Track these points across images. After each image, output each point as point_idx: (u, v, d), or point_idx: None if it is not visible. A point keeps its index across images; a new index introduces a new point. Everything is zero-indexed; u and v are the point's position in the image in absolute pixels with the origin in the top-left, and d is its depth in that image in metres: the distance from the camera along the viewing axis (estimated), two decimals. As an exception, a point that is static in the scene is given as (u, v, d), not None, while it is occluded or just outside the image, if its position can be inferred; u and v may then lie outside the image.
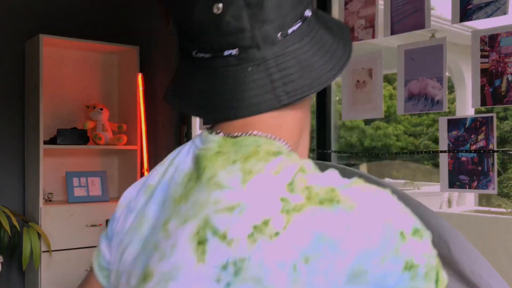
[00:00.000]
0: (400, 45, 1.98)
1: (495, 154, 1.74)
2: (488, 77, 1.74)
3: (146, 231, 0.64)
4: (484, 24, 1.85)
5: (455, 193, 6.83)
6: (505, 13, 1.71)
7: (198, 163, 0.62)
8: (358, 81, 2.14)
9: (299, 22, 0.61)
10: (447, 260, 1.38)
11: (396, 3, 2.00)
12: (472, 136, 1.79)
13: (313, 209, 0.53)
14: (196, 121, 3.16)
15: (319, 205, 0.53)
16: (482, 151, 1.77)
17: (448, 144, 1.86)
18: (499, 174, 1.82)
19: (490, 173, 1.75)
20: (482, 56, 1.76)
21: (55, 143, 3.08)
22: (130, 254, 0.65)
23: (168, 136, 3.18)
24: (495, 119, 1.75)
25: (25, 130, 3.29)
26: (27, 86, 3.26)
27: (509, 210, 7.80)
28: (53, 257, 2.97)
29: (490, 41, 1.74)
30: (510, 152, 2.58)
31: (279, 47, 0.60)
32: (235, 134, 0.62)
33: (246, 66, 0.61)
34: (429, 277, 0.54)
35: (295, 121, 0.65)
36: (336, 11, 2.26)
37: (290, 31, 0.61)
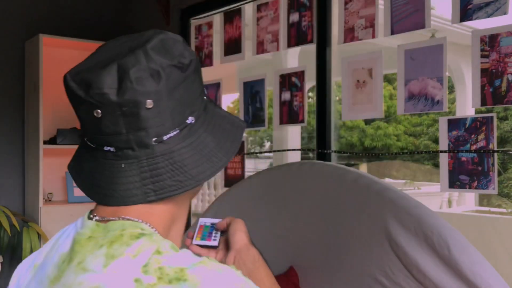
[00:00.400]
0: (400, 45, 1.98)
1: (495, 154, 1.74)
2: (488, 77, 1.74)
3: None
4: (484, 24, 1.84)
5: (455, 193, 6.83)
6: (505, 13, 1.71)
7: (72, 246, 0.70)
8: (358, 81, 2.14)
9: (176, 130, 0.70)
10: (447, 260, 1.38)
11: (396, 3, 2.00)
12: (472, 136, 1.79)
13: (162, 287, 0.61)
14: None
15: (168, 284, 0.61)
16: (482, 151, 1.77)
17: (448, 144, 1.85)
18: (499, 174, 1.82)
19: (490, 173, 1.75)
20: (482, 56, 1.76)
21: (55, 143, 3.08)
22: None
23: (168, 136, 3.18)
24: (495, 119, 1.75)
25: (25, 130, 3.29)
26: (27, 86, 3.26)
27: (509, 210, 7.79)
28: (53, 257, 2.97)
29: (490, 41, 1.74)
30: (510, 152, 2.58)
31: (152, 150, 0.69)
32: (107, 219, 0.70)
33: (120, 163, 0.69)
34: None
35: (167, 212, 0.73)
36: (336, 11, 2.26)
37: (165, 137, 0.69)
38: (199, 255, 0.74)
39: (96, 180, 0.71)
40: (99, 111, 0.67)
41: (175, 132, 0.70)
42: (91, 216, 0.73)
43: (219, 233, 0.96)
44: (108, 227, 0.68)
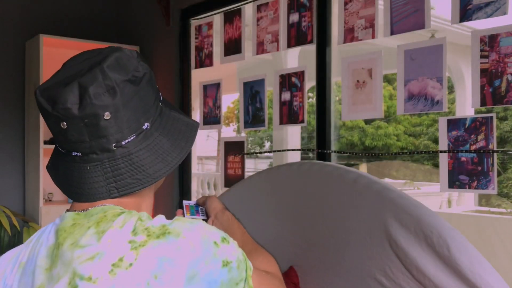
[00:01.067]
0: (400, 45, 1.98)
1: (495, 154, 1.75)
2: (488, 77, 1.74)
3: None
4: (484, 24, 1.85)
5: (455, 193, 6.83)
6: (505, 13, 1.71)
7: (58, 236, 0.80)
8: (358, 81, 2.14)
9: (133, 135, 0.81)
10: (447, 260, 1.38)
11: (396, 3, 2.00)
12: (472, 136, 1.80)
13: (153, 242, 0.74)
14: (196, 121, 3.17)
15: (156, 239, 0.74)
16: (482, 151, 1.77)
17: (448, 144, 1.86)
18: (499, 174, 1.83)
19: (490, 173, 1.75)
20: (482, 56, 1.76)
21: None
22: None
23: (168, 136, 3.18)
24: (495, 119, 1.75)
25: (25, 130, 3.30)
26: (27, 86, 3.26)
27: (509, 210, 7.80)
28: (53, 257, 2.97)
29: (490, 41, 1.74)
30: (510, 152, 2.59)
31: (113, 153, 0.81)
32: (85, 209, 0.83)
33: (86, 165, 0.81)
34: (241, 268, 0.78)
35: (131, 204, 0.85)
36: (336, 11, 2.26)
37: (124, 142, 0.81)
38: None
39: (69, 180, 0.84)
40: (65, 123, 0.79)
41: (132, 137, 0.81)
42: (68, 210, 0.86)
43: (204, 208, 1.18)
44: (90, 213, 0.81)
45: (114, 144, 0.80)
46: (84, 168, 0.81)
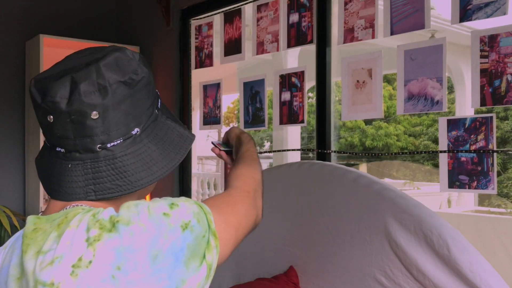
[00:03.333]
0: (400, 45, 1.98)
1: (495, 154, 1.75)
2: (488, 77, 1.74)
3: None
4: (484, 24, 1.85)
5: (455, 193, 6.83)
6: (504, 13, 1.71)
7: (22, 242, 0.77)
8: (358, 81, 2.14)
9: (120, 139, 0.79)
10: (447, 260, 1.38)
11: (396, 3, 2.00)
12: (472, 136, 1.80)
13: (106, 234, 0.72)
14: (196, 121, 3.17)
15: (108, 231, 0.72)
16: (481, 151, 1.77)
17: (448, 144, 1.86)
18: (498, 174, 1.83)
19: (490, 173, 1.75)
20: (481, 56, 1.76)
21: (55, 143, 3.08)
22: None
23: (168, 136, 3.17)
24: (494, 119, 1.75)
25: (25, 130, 3.30)
26: (27, 86, 3.26)
27: (509, 210, 7.80)
28: (53, 257, 2.97)
29: (490, 41, 1.74)
30: (510, 152, 2.58)
31: (97, 155, 0.79)
32: (42, 211, 0.82)
33: (68, 163, 0.80)
34: (201, 220, 0.76)
35: (105, 207, 0.80)
36: (336, 11, 2.26)
37: (109, 145, 0.79)
38: (229, 161, 1.23)
39: (49, 175, 0.82)
40: (51, 116, 0.77)
41: (119, 141, 0.79)
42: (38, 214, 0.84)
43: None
44: (51, 217, 0.78)
45: (98, 145, 0.78)
46: (65, 166, 0.80)
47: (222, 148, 1.29)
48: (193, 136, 0.91)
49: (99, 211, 0.75)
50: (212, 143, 1.30)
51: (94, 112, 0.76)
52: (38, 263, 0.73)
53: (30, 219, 0.79)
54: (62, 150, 0.79)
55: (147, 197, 0.95)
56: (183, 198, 0.79)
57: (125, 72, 0.79)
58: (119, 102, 0.78)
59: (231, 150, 1.27)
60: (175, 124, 0.89)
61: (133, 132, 0.81)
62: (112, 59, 0.79)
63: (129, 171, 0.80)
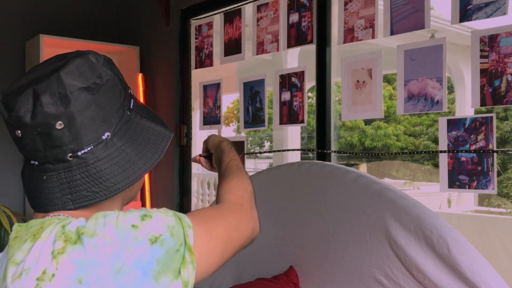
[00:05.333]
0: (400, 45, 1.98)
1: (495, 154, 1.75)
2: (488, 77, 1.74)
3: None
4: (483, 24, 1.85)
5: (455, 193, 6.83)
6: (504, 13, 1.71)
7: (7, 249, 0.78)
8: (358, 81, 2.14)
9: (91, 146, 0.78)
10: (447, 260, 1.38)
11: (396, 3, 2.00)
12: (472, 136, 1.80)
13: (70, 247, 0.71)
14: (196, 121, 3.17)
15: (73, 243, 0.71)
16: (481, 151, 1.77)
17: (448, 144, 1.86)
18: (498, 174, 1.83)
19: (490, 173, 1.75)
20: (481, 56, 1.76)
21: (55, 143, 3.08)
22: None
23: (168, 136, 3.17)
24: (494, 119, 1.75)
25: (25, 130, 3.29)
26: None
27: (509, 210, 7.80)
28: (53, 257, 2.97)
29: (490, 41, 1.74)
30: (510, 152, 2.58)
31: (69, 164, 0.78)
32: (28, 220, 0.81)
33: (43, 175, 0.79)
34: (175, 234, 0.73)
35: (87, 216, 0.79)
36: (336, 11, 2.26)
37: (80, 153, 0.78)
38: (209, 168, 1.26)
39: (30, 189, 0.82)
40: (19, 131, 0.78)
41: (89, 148, 0.79)
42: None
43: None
44: (29, 225, 0.78)
45: (69, 155, 0.78)
46: (40, 178, 0.80)
47: (200, 154, 1.30)
48: (171, 132, 0.89)
49: (69, 222, 0.74)
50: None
51: (59, 122, 0.76)
52: (9, 274, 0.73)
53: (14, 226, 0.80)
54: (36, 162, 0.80)
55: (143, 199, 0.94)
56: (161, 210, 0.77)
57: (88, 78, 0.78)
58: (83, 109, 0.77)
59: (209, 154, 1.28)
60: (151, 123, 0.87)
61: (104, 137, 0.80)
62: (73, 66, 0.78)
63: (104, 177, 0.79)
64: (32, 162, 0.80)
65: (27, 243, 0.74)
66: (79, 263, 0.70)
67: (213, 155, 1.25)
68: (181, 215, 0.77)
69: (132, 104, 0.86)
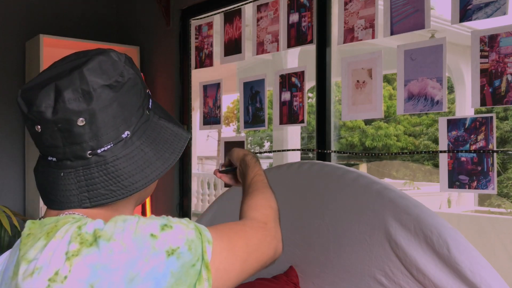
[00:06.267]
0: (400, 45, 1.98)
1: (495, 154, 1.75)
2: (488, 77, 1.74)
3: None
4: (483, 24, 1.85)
5: (455, 193, 6.83)
6: (504, 13, 1.71)
7: (19, 246, 0.77)
8: (358, 81, 2.14)
9: (110, 144, 0.78)
10: (447, 260, 1.38)
11: (396, 3, 2.00)
12: (472, 136, 1.80)
13: (85, 249, 0.69)
14: (196, 121, 3.17)
15: (89, 246, 0.70)
16: (481, 151, 1.77)
17: (448, 144, 1.86)
18: (498, 174, 1.83)
19: (490, 173, 1.75)
20: (481, 56, 1.76)
21: (55, 143, 3.08)
22: None
23: (168, 136, 3.17)
24: (494, 119, 1.75)
25: (25, 130, 3.30)
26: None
27: (509, 210, 7.80)
28: (53, 257, 2.97)
29: (490, 41, 1.74)
30: (510, 152, 2.58)
31: (88, 161, 0.77)
32: (41, 217, 0.80)
33: (60, 171, 0.78)
34: (193, 248, 0.71)
35: (103, 215, 0.80)
36: (336, 11, 2.26)
37: (99, 151, 0.77)
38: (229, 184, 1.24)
39: (44, 185, 0.81)
40: (39, 126, 0.76)
41: (109, 146, 0.78)
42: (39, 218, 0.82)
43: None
44: (44, 222, 0.77)
45: (89, 152, 0.77)
46: (58, 174, 0.79)
47: (221, 169, 1.26)
48: (189, 134, 0.88)
49: (86, 222, 0.73)
50: (219, 166, 1.28)
51: (80, 119, 0.75)
52: (21, 271, 0.72)
53: (27, 223, 0.79)
54: (54, 159, 0.79)
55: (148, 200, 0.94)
56: (183, 221, 0.75)
57: (110, 76, 0.77)
58: (105, 107, 0.76)
59: (232, 169, 1.23)
60: (169, 123, 0.87)
61: (124, 136, 0.79)
62: (96, 63, 0.77)
63: (122, 176, 0.78)
64: (50, 158, 0.79)
65: (41, 241, 0.73)
66: (93, 267, 0.68)
67: (237, 169, 1.20)
68: (202, 228, 0.75)
69: (150, 103, 0.86)
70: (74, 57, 0.82)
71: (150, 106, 0.85)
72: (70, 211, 0.78)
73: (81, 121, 0.75)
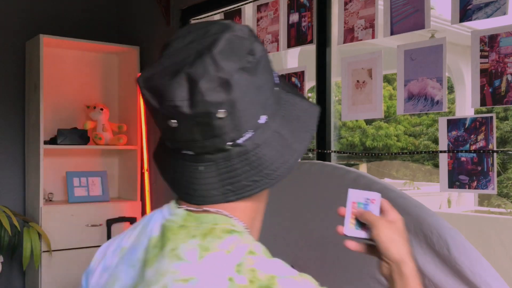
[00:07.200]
0: (400, 45, 1.98)
1: (495, 154, 1.75)
2: (488, 77, 1.74)
3: None
4: (483, 24, 1.85)
5: (455, 193, 6.83)
6: (504, 13, 1.71)
7: (163, 233, 0.72)
8: (358, 81, 2.14)
9: (251, 132, 0.70)
10: (447, 260, 1.38)
11: (396, 3, 2.00)
12: (472, 136, 1.80)
13: None
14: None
15: None
16: (481, 151, 1.77)
17: (448, 144, 1.86)
18: (498, 174, 1.83)
19: (490, 173, 1.75)
20: (481, 56, 1.76)
21: (56, 143, 3.08)
22: None
23: (168, 136, 3.18)
24: (494, 119, 1.75)
25: (25, 130, 3.30)
26: (27, 86, 3.26)
27: (509, 210, 7.80)
28: (53, 257, 2.97)
29: (490, 41, 1.74)
30: (510, 152, 2.58)
31: (229, 153, 0.70)
32: (196, 210, 0.73)
33: (199, 165, 0.72)
34: None
35: (248, 209, 0.75)
36: (336, 11, 2.26)
37: (239, 141, 0.70)
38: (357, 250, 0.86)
39: (179, 179, 0.74)
40: (174, 121, 0.68)
41: (249, 135, 0.70)
42: (179, 206, 0.76)
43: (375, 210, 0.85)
44: (201, 219, 0.71)
45: (229, 143, 0.70)
46: (195, 168, 0.72)
47: (350, 233, 0.93)
48: (318, 107, 0.80)
49: (258, 248, 0.67)
50: (350, 195, 0.92)
51: (221, 111, 0.67)
52: (172, 269, 0.66)
53: (182, 213, 0.73)
54: (190, 152, 0.71)
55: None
56: None
57: (241, 56, 0.68)
58: (244, 93, 0.68)
59: (366, 240, 0.92)
60: (295, 97, 0.78)
61: (261, 121, 0.71)
62: (225, 44, 0.68)
63: (264, 164, 0.71)
64: (185, 151, 0.72)
65: (196, 241, 0.68)
66: None
67: (383, 264, 0.89)
68: None
69: (276, 77, 0.76)
70: (193, 36, 0.72)
71: (277, 81, 0.77)
72: (212, 207, 0.73)
73: (221, 113, 0.67)
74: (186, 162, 0.72)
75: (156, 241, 0.72)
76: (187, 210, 0.73)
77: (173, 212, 0.74)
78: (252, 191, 0.72)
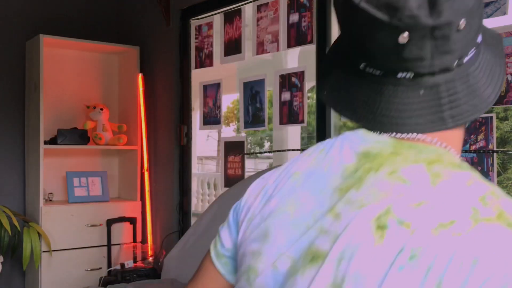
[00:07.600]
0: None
1: (495, 154, 1.75)
2: (488, 77, 1.75)
3: (301, 216, 0.66)
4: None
5: (455, 193, 6.82)
6: (505, 13, 1.71)
7: (370, 158, 0.64)
8: (358, 81, 2.14)
9: (473, 50, 0.64)
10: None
11: (396, 3, 2.00)
12: (472, 136, 1.80)
13: (499, 226, 0.55)
14: (196, 121, 3.17)
15: (507, 226, 0.55)
16: (481, 151, 1.77)
17: (448, 144, 1.86)
18: (498, 174, 1.83)
19: (490, 173, 1.75)
20: (481, 56, 1.77)
21: (56, 143, 3.08)
22: (278, 237, 0.66)
23: (168, 136, 3.18)
24: (494, 119, 1.75)
25: (25, 130, 3.30)
26: (27, 86, 3.26)
27: (509, 210, 7.78)
28: (53, 257, 2.97)
29: (490, 41, 1.74)
30: (510, 152, 2.58)
31: (452, 74, 0.63)
32: (407, 137, 0.65)
33: (418, 89, 0.64)
34: None
35: (457, 137, 0.68)
36: (336, 11, 2.26)
37: (465, 60, 0.64)
38: None
39: (380, 108, 0.66)
40: (406, 34, 0.60)
41: (472, 53, 0.65)
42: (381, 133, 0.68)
43: None
44: (417, 147, 0.64)
45: (456, 62, 0.63)
46: (413, 94, 0.64)
47: None
48: (498, 35, 0.73)
49: (498, 192, 0.59)
50: None
51: (462, 20, 0.59)
52: (395, 190, 0.59)
53: (385, 139, 0.65)
54: (408, 74, 0.63)
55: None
56: None
57: None
58: (479, 3, 0.62)
59: None
60: (480, 20, 0.71)
61: (478, 40, 0.65)
62: None
63: (480, 88, 0.65)
64: (400, 75, 0.64)
65: (420, 165, 0.61)
66: (491, 248, 0.54)
67: None
68: None
69: None
70: None
71: None
72: (426, 135, 0.65)
73: (462, 24, 0.60)
74: (399, 87, 0.64)
75: (356, 166, 0.65)
76: (393, 136, 0.66)
77: (371, 139, 0.66)
78: (471, 117, 0.65)
